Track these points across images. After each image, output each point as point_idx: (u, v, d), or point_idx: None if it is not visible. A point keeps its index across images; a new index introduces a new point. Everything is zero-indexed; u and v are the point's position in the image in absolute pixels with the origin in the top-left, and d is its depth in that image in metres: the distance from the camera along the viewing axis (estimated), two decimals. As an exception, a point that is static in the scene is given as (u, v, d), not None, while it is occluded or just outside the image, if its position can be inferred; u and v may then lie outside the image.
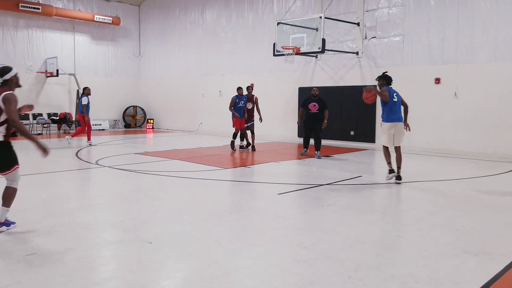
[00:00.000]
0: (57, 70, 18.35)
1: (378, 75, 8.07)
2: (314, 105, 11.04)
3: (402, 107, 7.85)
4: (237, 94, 12.19)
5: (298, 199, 6.68)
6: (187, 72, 20.09)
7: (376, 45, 13.74)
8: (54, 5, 18.89)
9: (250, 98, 12.33)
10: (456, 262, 3.99)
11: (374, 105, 13.13)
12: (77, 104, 18.64)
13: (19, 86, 4.75)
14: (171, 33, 20.68)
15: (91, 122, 14.49)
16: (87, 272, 3.69)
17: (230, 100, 12.21)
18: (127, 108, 21.99)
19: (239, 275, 3.68)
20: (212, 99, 18.78)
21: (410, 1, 12.95)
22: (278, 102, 16.10)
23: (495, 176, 8.76)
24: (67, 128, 19.10)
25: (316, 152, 11.15)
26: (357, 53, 14.00)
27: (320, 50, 12.37)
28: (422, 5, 12.72)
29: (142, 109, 22.24)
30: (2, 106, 4.46)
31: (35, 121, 17.76)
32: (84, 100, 13.20)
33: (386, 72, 8.07)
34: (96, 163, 9.86)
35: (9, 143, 4.67)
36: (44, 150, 4.56)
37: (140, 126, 22.10)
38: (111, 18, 20.64)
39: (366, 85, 9.71)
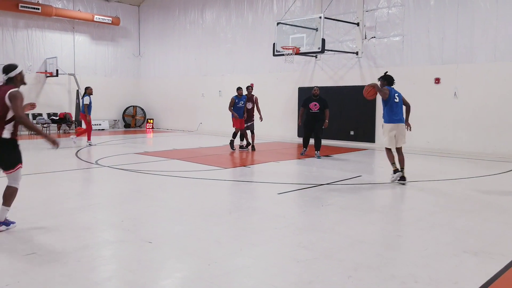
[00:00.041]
0: (57, 70, 18.37)
1: (379, 75, 8.07)
2: (315, 105, 11.04)
3: (404, 107, 7.85)
4: (236, 94, 12.21)
5: (298, 199, 6.69)
6: (186, 72, 20.09)
7: (375, 45, 13.74)
8: (54, 5, 18.90)
9: (250, 98, 12.33)
10: (456, 262, 3.99)
11: (374, 105, 13.17)
12: (77, 104, 18.66)
13: (24, 83, 4.83)
14: (171, 33, 20.68)
15: (92, 122, 14.48)
16: (87, 272, 3.69)
17: (230, 100, 12.24)
18: (127, 108, 22.00)
19: (239, 275, 3.68)
20: (212, 99, 18.79)
21: (410, 1, 12.95)
22: (278, 102, 16.10)
23: (495, 176, 8.76)
24: (67, 128, 19.11)
25: (316, 152, 11.15)
26: (356, 53, 14.01)
27: (319, 50, 12.38)
28: (421, 5, 12.72)
29: (142, 109, 22.25)
30: (9, 104, 4.50)
31: (35, 121, 17.73)
32: (86, 100, 13.19)
33: (387, 72, 8.07)
34: (96, 163, 9.86)
35: (16, 141, 4.70)
36: (54, 142, 4.69)
37: (140, 126, 22.11)
38: (110, 18, 20.64)
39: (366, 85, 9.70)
